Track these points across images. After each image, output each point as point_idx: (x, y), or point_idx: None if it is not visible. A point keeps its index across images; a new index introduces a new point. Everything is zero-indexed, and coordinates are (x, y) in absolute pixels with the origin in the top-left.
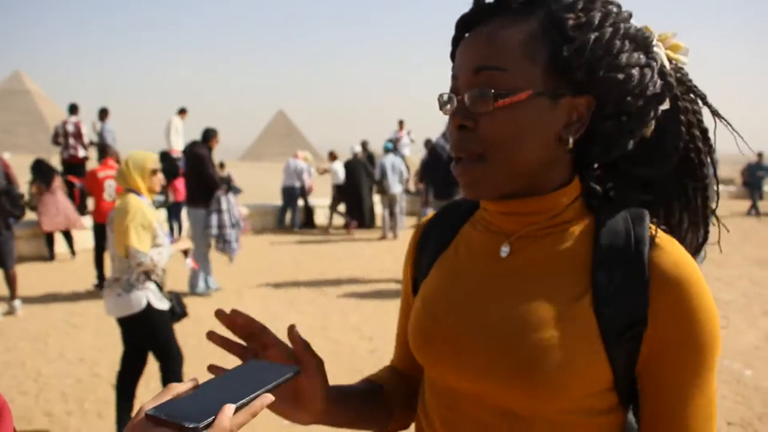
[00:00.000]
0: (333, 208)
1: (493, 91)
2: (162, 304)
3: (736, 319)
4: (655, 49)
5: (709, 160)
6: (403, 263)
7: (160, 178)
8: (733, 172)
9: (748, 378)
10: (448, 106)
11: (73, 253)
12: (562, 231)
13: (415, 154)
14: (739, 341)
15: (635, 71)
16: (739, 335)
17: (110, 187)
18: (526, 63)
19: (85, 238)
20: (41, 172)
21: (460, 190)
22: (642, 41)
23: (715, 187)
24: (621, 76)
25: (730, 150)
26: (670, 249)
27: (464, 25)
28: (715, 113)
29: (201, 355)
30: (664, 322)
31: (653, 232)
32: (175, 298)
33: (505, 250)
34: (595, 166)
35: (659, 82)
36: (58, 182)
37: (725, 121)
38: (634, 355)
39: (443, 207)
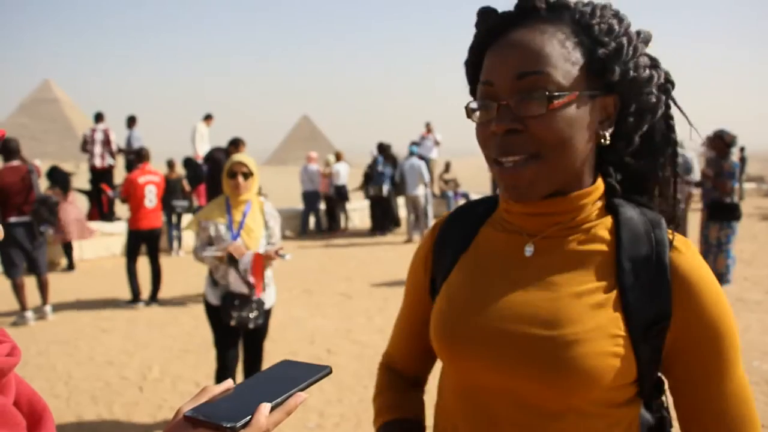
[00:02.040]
0: (341, 209)
1: (547, 93)
2: (213, 300)
3: (765, 319)
4: None
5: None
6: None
7: (237, 182)
8: (764, 169)
9: None
10: (478, 113)
11: (71, 265)
12: (585, 231)
13: (441, 156)
14: None
15: (652, 71)
16: None
17: (151, 192)
18: (567, 66)
19: (97, 247)
20: (58, 179)
21: (503, 192)
22: (648, 42)
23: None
24: (645, 75)
25: (760, 147)
26: (687, 252)
27: (490, 33)
28: (676, 105)
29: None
30: (685, 319)
31: (671, 236)
32: (232, 303)
33: (529, 250)
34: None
35: (664, 80)
36: (73, 192)
37: (681, 111)
38: (657, 351)
39: (459, 208)
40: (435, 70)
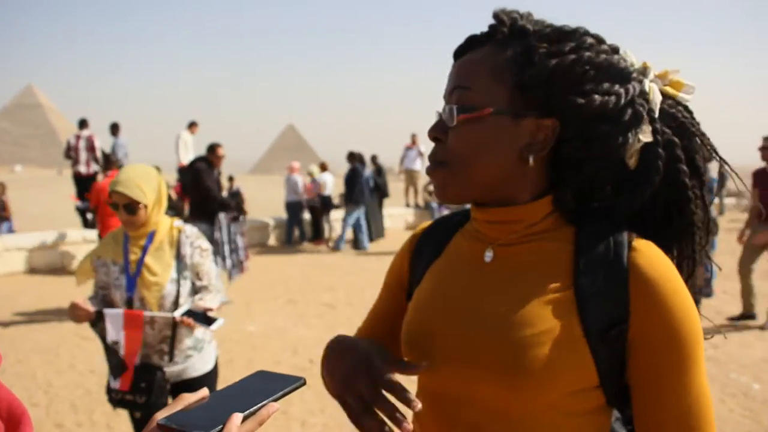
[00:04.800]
0: (326, 219)
1: (456, 107)
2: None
3: (743, 332)
4: (646, 82)
5: (700, 195)
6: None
7: (123, 217)
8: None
9: (756, 392)
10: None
11: None
12: (542, 239)
13: (426, 167)
14: (747, 355)
15: (597, 97)
16: (746, 349)
17: None
18: (491, 83)
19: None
20: None
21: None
22: (615, 72)
23: (712, 215)
24: (581, 100)
25: (742, 162)
26: (646, 250)
27: (458, 54)
28: (711, 149)
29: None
30: (643, 320)
31: (631, 236)
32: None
33: (488, 255)
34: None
35: (629, 111)
36: None
37: (723, 160)
38: (618, 355)
39: (438, 219)
40: (422, 80)
